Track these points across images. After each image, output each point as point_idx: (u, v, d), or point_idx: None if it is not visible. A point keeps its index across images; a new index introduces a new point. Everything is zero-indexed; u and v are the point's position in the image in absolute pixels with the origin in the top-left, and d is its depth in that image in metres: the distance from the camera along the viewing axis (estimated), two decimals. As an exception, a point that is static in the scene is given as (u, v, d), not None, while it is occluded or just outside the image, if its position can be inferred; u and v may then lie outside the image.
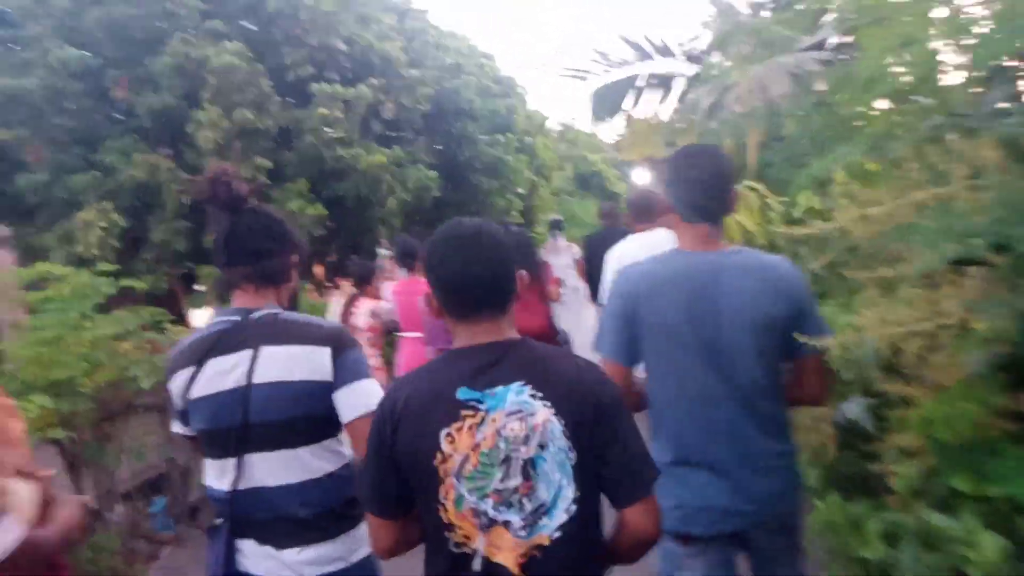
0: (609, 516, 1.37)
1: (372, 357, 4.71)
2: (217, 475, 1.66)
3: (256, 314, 1.67)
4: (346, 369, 1.63)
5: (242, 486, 1.63)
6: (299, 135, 7.59)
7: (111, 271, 3.76)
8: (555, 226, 8.27)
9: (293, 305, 1.87)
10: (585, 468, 1.29)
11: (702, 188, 1.76)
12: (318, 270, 8.98)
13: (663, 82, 9.47)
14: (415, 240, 4.83)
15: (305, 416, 1.62)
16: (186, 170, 7.11)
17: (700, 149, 1.88)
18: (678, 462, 1.74)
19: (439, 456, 1.27)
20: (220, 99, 6.99)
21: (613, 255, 3.66)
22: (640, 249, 3.19)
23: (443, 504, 1.29)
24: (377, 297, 4.81)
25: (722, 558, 1.76)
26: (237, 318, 1.68)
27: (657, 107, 9.56)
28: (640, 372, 1.82)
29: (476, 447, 1.27)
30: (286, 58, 7.64)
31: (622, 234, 4.94)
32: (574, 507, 1.28)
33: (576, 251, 7.77)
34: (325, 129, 7.44)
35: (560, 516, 1.28)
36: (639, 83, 9.64)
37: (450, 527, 1.29)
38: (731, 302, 1.69)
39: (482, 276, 1.33)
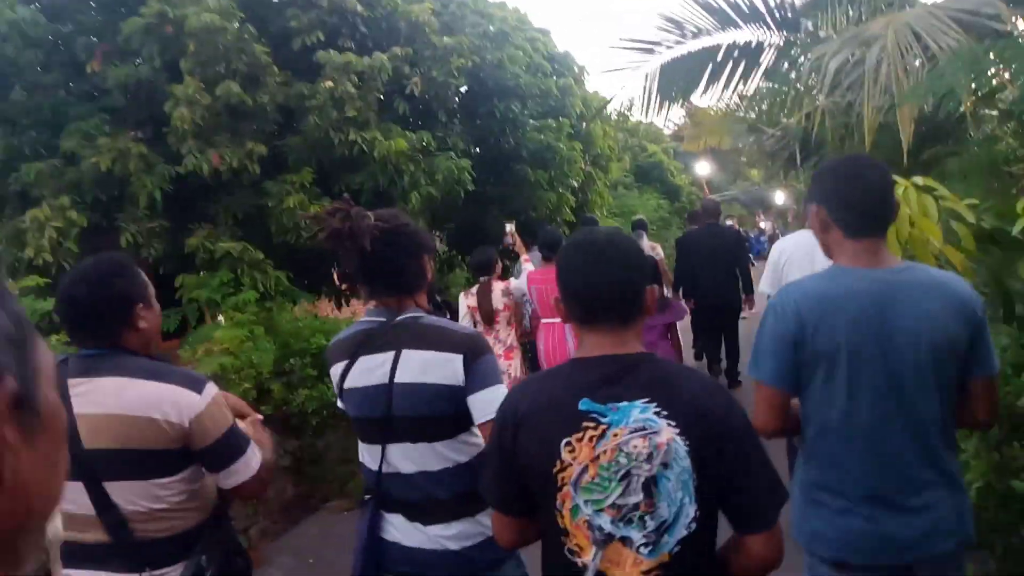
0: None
1: (509, 336, 5.13)
2: (367, 456, 1.85)
3: (400, 317, 1.82)
4: (478, 375, 1.75)
5: (386, 469, 1.81)
6: (303, 115, 6.10)
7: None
8: (638, 226, 7.85)
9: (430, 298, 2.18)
10: (708, 489, 1.28)
11: (870, 199, 1.68)
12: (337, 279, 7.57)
13: (748, 53, 7.66)
14: (558, 232, 5.48)
15: (440, 414, 1.77)
16: (164, 156, 5.71)
17: (860, 158, 1.85)
18: (840, 491, 1.68)
19: (558, 464, 1.29)
20: (201, 69, 5.55)
21: (773, 252, 4.00)
22: (799, 246, 3.73)
23: (559, 511, 1.31)
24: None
25: None
26: (383, 319, 1.83)
27: (741, 84, 7.77)
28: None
29: (595, 459, 1.27)
30: (290, 21, 6.15)
31: (731, 234, 6.13)
32: (695, 525, 1.28)
33: (659, 252, 7.67)
34: (333, 107, 5.96)
35: (680, 532, 1.27)
36: (720, 56, 7.82)
37: (565, 533, 1.31)
38: (909, 325, 1.60)
39: (608, 285, 1.34)
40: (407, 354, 1.77)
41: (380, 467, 1.81)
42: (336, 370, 1.87)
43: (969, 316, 1.64)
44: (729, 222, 18.04)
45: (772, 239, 29.31)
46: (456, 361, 1.74)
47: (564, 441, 1.30)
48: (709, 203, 7.26)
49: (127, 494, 1.63)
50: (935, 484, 1.66)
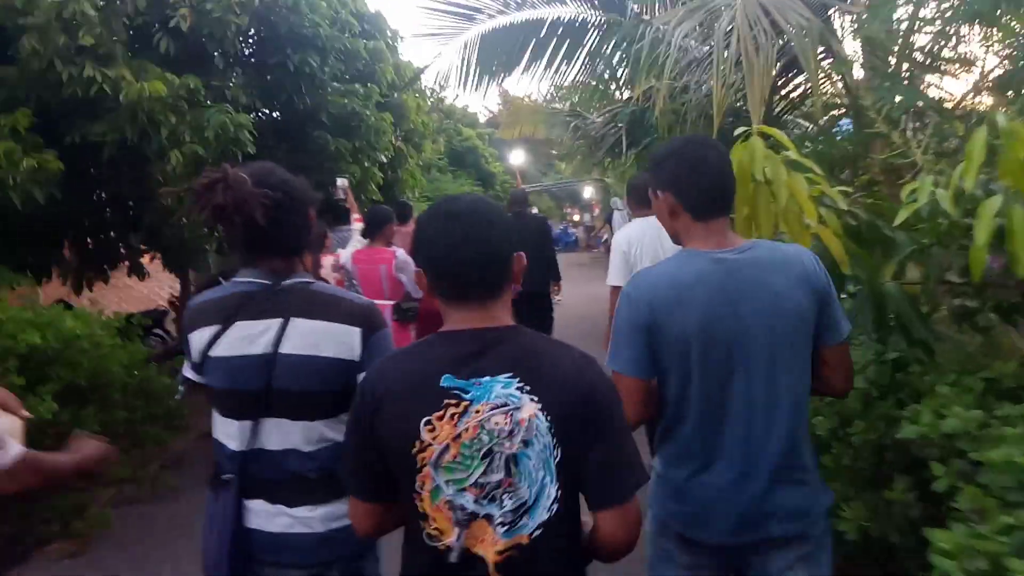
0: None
1: None
2: (229, 433, 1.67)
3: (287, 281, 1.67)
4: (376, 349, 1.64)
5: (254, 446, 1.64)
6: (17, 37, 4.57)
7: None
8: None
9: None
10: (569, 466, 1.25)
11: (715, 181, 1.67)
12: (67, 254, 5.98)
13: (573, 30, 7.02)
14: (386, 209, 5.20)
15: (327, 391, 1.64)
16: None
17: (700, 139, 1.80)
18: (697, 472, 1.67)
19: (418, 444, 1.23)
20: None
21: (620, 243, 3.95)
22: (645, 233, 3.79)
23: (419, 493, 1.25)
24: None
25: (721, 572, 1.70)
26: (267, 282, 1.67)
27: (564, 64, 7.15)
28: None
29: (457, 438, 1.22)
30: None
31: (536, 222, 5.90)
32: (556, 506, 1.24)
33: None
34: (62, 31, 4.49)
35: (541, 515, 1.24)
36: (543, 32, 7.09)
37: (424, 517, 1.26)
38: (758, 303, 1.60)
39: (474, 256, 1.27)
40: (296, 323, 1.63)
41: (249, 444, 1.65)
42: (202, 334, 1.67)
43: (813, 285, 1.64)
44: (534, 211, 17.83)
45: (590, 230, 30.03)
46: (353, 334, 1.64)
47: (424, 420, 1.23)
48: (517, 192, 7.56)
49: None
50: (794, 463, 1.65)
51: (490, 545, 1.23)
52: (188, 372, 1.75)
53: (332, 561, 1.68)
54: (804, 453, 1.68)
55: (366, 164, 7.51)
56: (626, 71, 7.39)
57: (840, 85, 4.85)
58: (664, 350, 1.64)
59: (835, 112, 5.52)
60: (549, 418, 1.23)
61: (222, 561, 1.67)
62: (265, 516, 1.67)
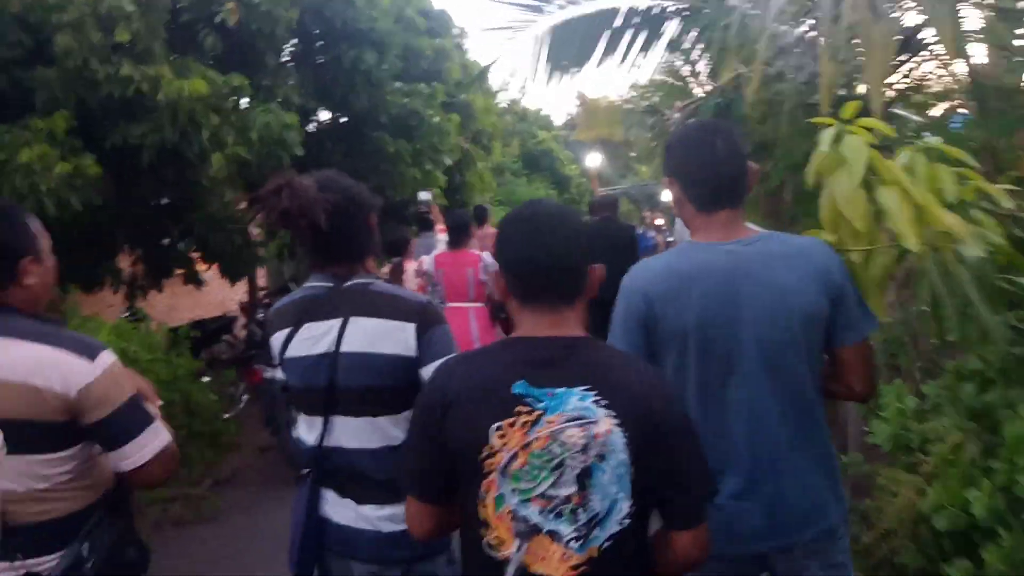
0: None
1: None
2: (306, 429, 1.73)
3: (348, 283, 1.71)
4: (432, 345, 1.65)
5: (327, 443, 1.69)
6: (52, 35, 4.31)
7: None
8: (479, 212, 7.15)
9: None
10: (643, 483, 1.21)
11: (719, 170, 1.56)
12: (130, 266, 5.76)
13: (650, 19, 6.38)
14: (467, 213, 5.39)
15: (387, 387, 1.65)
16: None
17: (709, 124, 1.73)
18: None
19: (486, 449, 1.20)
20: None
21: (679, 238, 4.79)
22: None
23: (482, 500, 1.22)
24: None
25: None
26: (330, 284, 1.72)
27: (641, 56, 6.44)
28: None
29: (527, 446, 1.19)
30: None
31: (620, 229, 5.82)
32: (627, 520, 1.21)
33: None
34: (97, 27, 4.20)
35: (612, 527, 1.20)
36: (618, 21, 6.52)
37: (485, 525, 1.22)
38: (763, 298, 1.50)
39: (550, 261, 1.26)
40: (355, 322, 1.66)
41: (321, 440, 1.69)
42: (278, 338, 1.73)
43: (827, 283, 1.53)
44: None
45: (659, 231, 29.10)
46: (408, 330, 1.64)
47: (495, 426, 1.20)
48: (608, 198, 7.36)
49: (1, 471, 1.41)
50: (800, 466, 1.55)
51: (559, 563, 1.19)
52: (279, 374, 1.79)
53: (394, 561, 1.67)
54: (815, 455, 1.58)
55: (428, 167, 7.08)
56: (709, 63, 6.73)
57: (961, 68, 4.09)
58: (662, 345, 1.57)
59: (952, 102, 4.77)
60: (626, 434, 1.19)
61: (294, 549, 1.71)
62: (336, 506, 1.70)
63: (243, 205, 3.83)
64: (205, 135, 4.55)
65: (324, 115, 6.95)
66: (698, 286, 1.53)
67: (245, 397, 6.23)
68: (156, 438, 1.55)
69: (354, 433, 1.67)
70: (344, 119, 6.59)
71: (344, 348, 1.65)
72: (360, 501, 1.68)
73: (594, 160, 22.62)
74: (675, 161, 1.64)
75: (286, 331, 1.72)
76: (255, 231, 7.34)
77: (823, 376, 1.62)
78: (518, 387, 1.21)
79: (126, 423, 1.51)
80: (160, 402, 1.74)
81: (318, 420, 1.69)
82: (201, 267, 6.75)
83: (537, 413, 1.20)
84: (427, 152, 7.02)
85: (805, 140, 4.96)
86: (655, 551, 1.31)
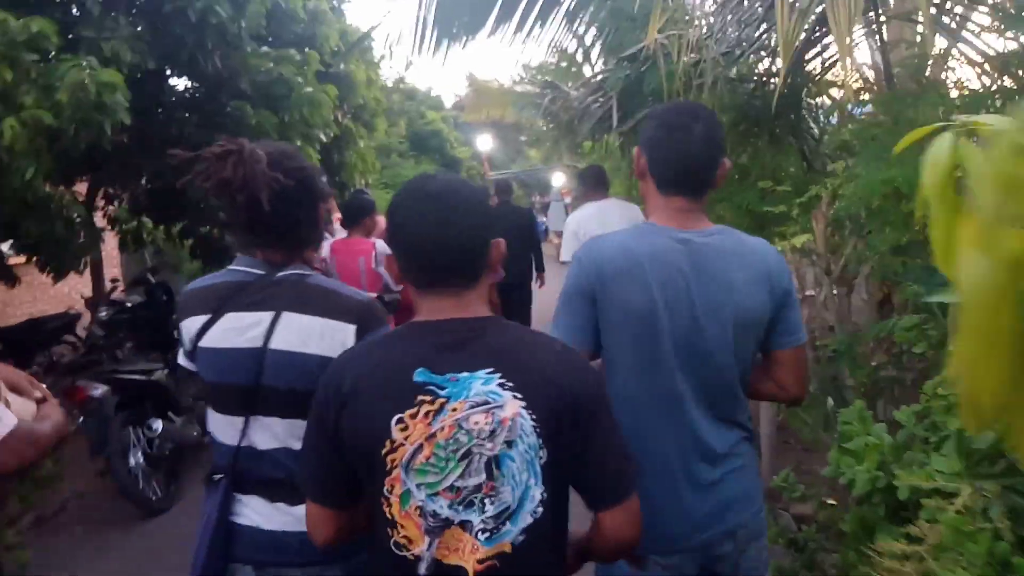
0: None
1: None
2: (221, 429, 1.60)
3: (282, 273, 1.58)
4: None
5: (247, 444, 1.56)
6: None
7: None
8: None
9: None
10: (556, 467, 1.15)
11: (688, 155, 1.53)
12: None
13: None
14: (366, 198, 4.87)
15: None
16: None
17: (691, 107, 1.66)
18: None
19: (388, 444, 1.13)
20: None
21: (571, 224, 4.37)
22: (596, 217, 4.10)
23: (387, 498, 1.15)
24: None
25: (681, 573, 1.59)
26: (261, 272, 1.58)
27: (537, 27, 5.94)
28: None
29: (431, 437, 1.12)
30: None
31: (519, 213, 6.56)
32: (540, 509, 1.14)
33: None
34: None
35: (525, 519, 1.14)
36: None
37: (392, 524, 1.15)
38: (713, 293, 1.50)
39: (451, 241, 1.17)
40: (288, 317, 1.51)
41: (240, 441, 1.54)
42: (192, 323, 1.56)
43: (774, 286, 1.54)
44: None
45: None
46: (347, 331, 1.51)
47: (395, 418, 1.12)
48: (504, 182, 7.39)
49: None
50: (728, 458, 1.58)
51: (469, 554, 1.11)
52: (182, 360, 1.65)
53: (335, 559, 1.53)
54: (743, 448, 1.63)
55: (298, 142, 6.16)
56: (606, 38, 6.18)
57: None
58: (607, 324, 1.54)
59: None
60: (534, 417, 1.12)
61: (199, 556, 1.55)
62: (264, 513, 1.56)
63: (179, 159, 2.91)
64: (-10, 95, 3.50)
65: (176, 81, 5.89)
66: (652, 269, 1.50)
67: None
68: (4, 427, 1.42)
69: (277, 434, 1.55)
70: (195, 84, 5.55)
71: (273, 345, 1.51)
72: (293, 503, 1.53)
73: (485, 143, 21.93)
74: (648, 134, 1.59)
75: (203, 318, 1.56)
76: (97, 216, 6.19)
77: (753, 378, 1.64)
78: (419, 375, 1.14)
79: None
80: (41, 390, 1.63)
81: (237, 420, 1.56)
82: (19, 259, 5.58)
83: (440, 401, 1.13)
84: (297, 126, 6.09)
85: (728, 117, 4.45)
86: (590, 540, 1.27)
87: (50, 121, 3.63)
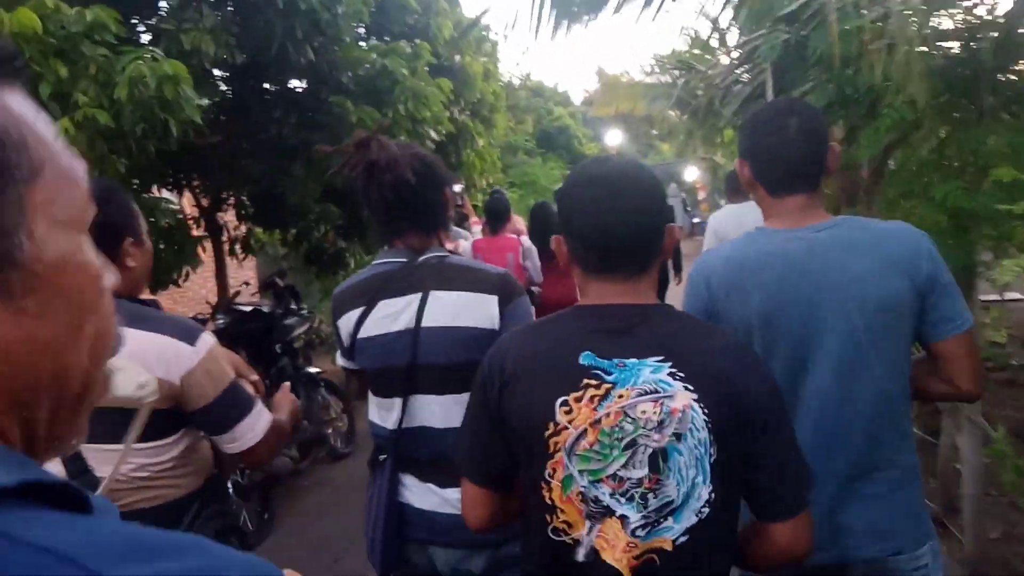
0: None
1: None
2: (382, 413, 1.64)
3: (423, 256, 1.63)
4: (514, 317, 1.57)
5: (406, 425, 1.60)
6: None
7: None
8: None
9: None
10: (726, 467, 1.07)
11: (789, 152, 1.46)
12: None
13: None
14: (504, 198, 5.01)
15: (471, 363, 1.43)
16: None
17: (782, 103, 1.59)
18: None
19: (551, 427, 1.08)
20: None
21: (712, 222, 4.20)
22: (733, 218, 3.89)
23: (548, 482, 1.09)
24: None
25: None
26: (404, 259, 1.63)
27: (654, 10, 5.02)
28: None
29: (596, 423, 1.06)
30: None
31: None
32: (707, 510, 1.06)
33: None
34: None
35: (689, 518, 1.06)
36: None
37: (552, 509, 1.10)
38: (833, 288, 1.37)
39: (625, 225, 1.11)
40: (435, 296, 1.57)
41: (400, 423, 1.59)
42: (349, 319, 1.61)
43: (912, 270, 1.38)
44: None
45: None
46: (491, 302, 1.55)
47: (560, 400, 1.08)
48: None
49: (106, 458, 1.35)
50: (875, 472, 1.41)
51: (623, 551, 1.06)
52: (341, 360, 1.71)
53: (480, 544, 1.55)
54: (889, 464, 1.41)
55: (402, 139, 5.57)
56: (741, 24, 5.13)
57: None
58: None
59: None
60: (706, 411, 1.05)
61: (377, 540, 1.60)
62: (417, 492, 1.61)
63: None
64: (45, 91, 3.05)
65: (272, 79, 5.45)
66: (765, 276, 1.42)
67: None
68: (260, 419, 1.52)
69: (437, 411, 1.58)
70: (294, 81, 5.07)
71: (425, 323, 1.55)
72: (442, 484, 1.57)
73: (614, 138, 20.93)
74: (747, 142, 1.54)
75: (358, 311, 1.60)
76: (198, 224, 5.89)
77: (917, 377, 1.45)
78: (585, 358, 1.09)
79: (230, 407, 1.48)
80: (255, 375, 1.71)
81: (397, 401, 1.59)
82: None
83: (607, 386, 1.07)
84: (402, 122, 5.48)
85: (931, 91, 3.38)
86: (746, 544, 1.18)
87: (106, 120, 3.14)
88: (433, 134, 6.33)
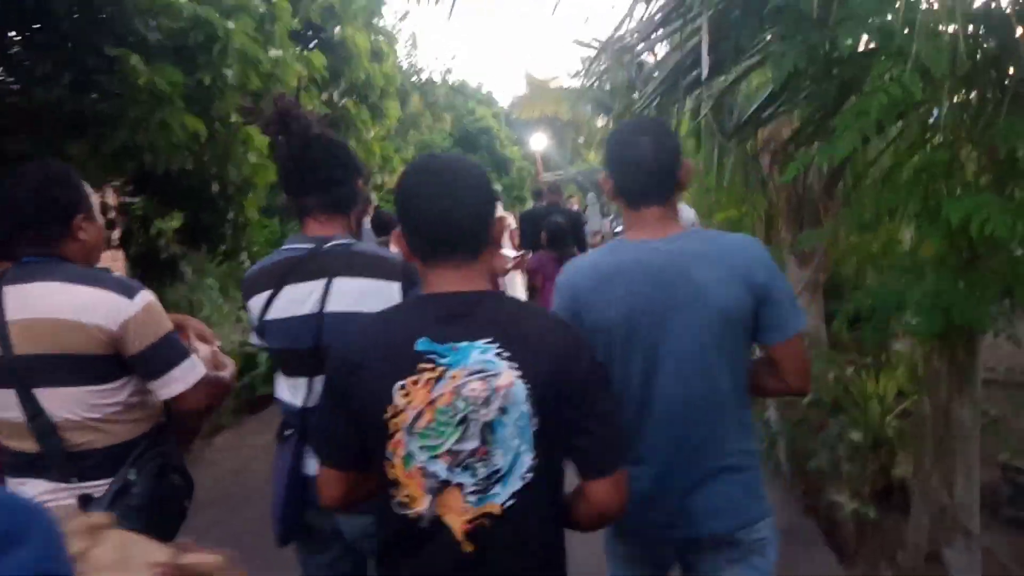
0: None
1: None
2: (290, 390, 1.69)
3: (329, 243, 1.67)
4: None
5: (312, 404, 1.64)
6: None
7: None
8: None
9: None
10: (549, 435, 1.17)
11: (641, 169, 1.55)
12: None
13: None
14: (388, 212, 5.03)
15: None
16: None
17: (639, 123, 1.76)
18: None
19: (391, 409, 1.16)
20: None
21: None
22: None
23: (391, 460, 1.18)
24: None
25: (658, 569, 1.68)
26: (311, 246, 1.67)
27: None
28: None
29: (432, 403, 1.15)
30: None
31: (565, 214, 5.97)
32: (531, 475, 1.16)
33: (511, 222, 7.19)
34: None
35: (515, 483, 1.16)
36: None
37: (396, 484, 1.18)
38: (681, 297, 1.48)
39: (456, 216, 1.19)
40: (339, 282, 1.62)
41: (306, 401, 1.65)
42: (257, 301, 1.67)
43: (751, 281, 1.48)
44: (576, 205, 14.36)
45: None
46: (393, 288, 1.60)
47: (398, 384, 1.15)
48: (553, 183, 7.54)
49: (58, 401, 1.53)
50: (719, 461, 1.53)
51: (458, 514, 1.15)
52: (254, 338, 1.76)
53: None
54: (734, 454, 1.53)
55: (232, 119, 4.10)
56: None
57: None
58: (590, 340, 1.45)
59: None
60: (528, 385, 1.14)
61: (277, 507, 1.68)
62: None
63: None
64: None
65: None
66: (622, 283, 1.51)
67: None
68: (192, 370, 1.63)
69: None
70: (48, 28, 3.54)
71: (329, 308, 1.60)
72: None
73: (539, 142, 19.74)
74: (608, 157, 1.62)
75: (266, 293, 1.65)
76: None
77: (756, 374, 1.59)
78: (421, 344, 1.16)
79: (163, 355, 1.59)
80: (218, 342, 1.91)
81: (303, 381, 1.65)
82: None
83: (441, 369, 1.15)
84: (230, 95, 4.03)
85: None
86: (572, 506, 1.27)
87: None
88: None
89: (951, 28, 2.09)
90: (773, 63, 2.36)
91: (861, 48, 2.34)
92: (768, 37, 2.56)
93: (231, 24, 3.97)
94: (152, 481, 1.59)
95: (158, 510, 1.60)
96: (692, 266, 1.47)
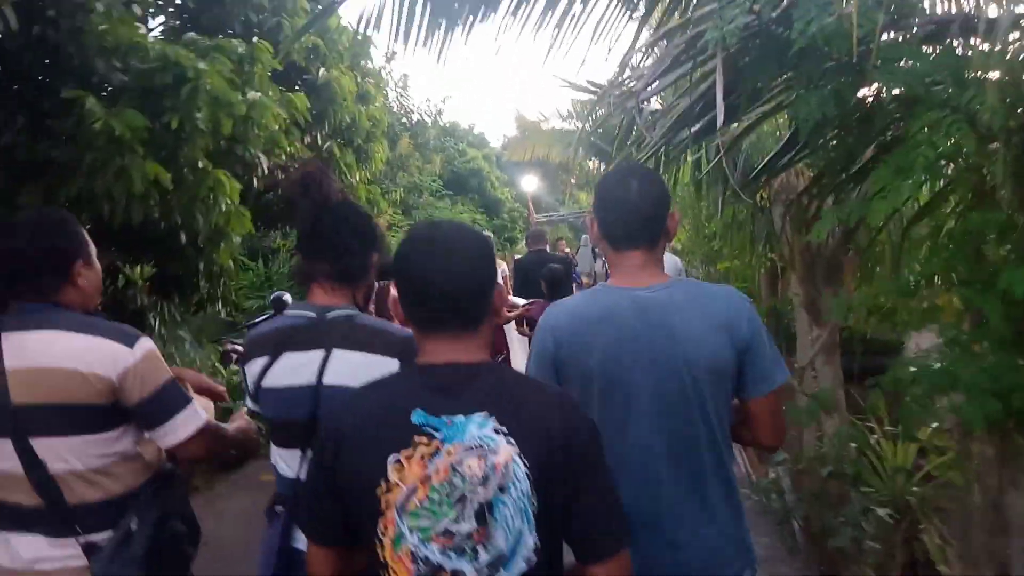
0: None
1: None
2: (284, 461, 1.64)
3: (332, 314, 1.62)
4: None
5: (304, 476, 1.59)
6: None
7: None
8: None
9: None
10: (548, 515, 1.11)
11: (628, 212, 1.52)
12: None
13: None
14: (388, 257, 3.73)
15: None
16: None
17: (629, 167, 1.71)
18: None
19: (383, 485, 1.08)
20: None
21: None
22: None
23: (380, 540, 1.10)
24: None
25: None
26: (312, 315, 1.63)
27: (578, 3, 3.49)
28: None
29: (426, 480, 1.08)
30: None
31: (551, 259, 5.93)
32: (534, 558, 1.09)
33: (505, 269, 7.52)
34: None
35: (519, 565, 1.09)
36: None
37: (384, 567, 1.10)
38: (661, 347, 1.44)
39: (453, 285, 1.15)
40: (338, 354, 1.56)
41: (299, 473, 1.58)
42: (255, 367, 1.62)
43: (734, 335, 1.45)
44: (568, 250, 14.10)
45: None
46: (391, 365, 1.53)
47: (392, 457, 1.09)
48: (535, 231, 7.19)
49: (56, 451, 1.49)
50: (693, 515, 1.47)
51: None
52: (249, 403, 1.71)
53: None
54: (714, 506, 1.48)
55: (201, 163, 3.80)
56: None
57: None
58: (568, 386, 1.49)
59: None
60: (527, 463, 1.08)
61: None
62: None
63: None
64: None
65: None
66: (602, 330, 1.47)
67: None
68: (192, 418, 1.60)
69: None
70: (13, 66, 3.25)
71: (326, 380, 1.54)
72: None
73: (530, 184, 19.58)
74: (595, 200, 1.59)
75: (263, 360, 1.60)
76: None
77: (735, 423, 1.54)
78: (416, 416, 1.10)
79: (163, 404, 1.56)
80: (223, 388, 1.91)
81: (297, 452, 1.58)
82: None
83: (436, 443, 1.09)
84: (200, 139, 3.73)
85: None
86: None
87: None
88: (264, 159, 4.59)
89: (996, 75, 1.82)
90: (796, 109, 2.08)
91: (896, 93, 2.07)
92: (784, 81, 2.30)
93: (203, 65, 3.70)
94: (153, 529, 1.57)
95: (158, 559, 1.57)
96: (674, 317, 1.45)
